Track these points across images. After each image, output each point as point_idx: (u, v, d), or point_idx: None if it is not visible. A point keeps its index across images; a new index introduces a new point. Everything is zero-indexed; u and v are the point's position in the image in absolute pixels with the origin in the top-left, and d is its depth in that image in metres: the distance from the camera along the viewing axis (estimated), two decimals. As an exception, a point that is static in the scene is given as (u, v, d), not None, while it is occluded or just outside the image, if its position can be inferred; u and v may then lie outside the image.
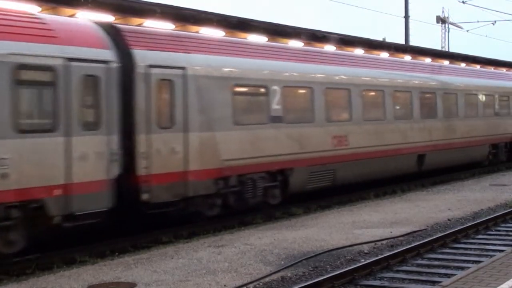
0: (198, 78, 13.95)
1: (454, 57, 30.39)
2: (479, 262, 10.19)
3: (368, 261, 10.46)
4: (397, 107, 20.85)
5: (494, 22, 44.42)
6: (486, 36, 53.52)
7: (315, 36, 21.20)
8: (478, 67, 30.84)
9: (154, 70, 13.04)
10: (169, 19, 16.02)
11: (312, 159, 16.92)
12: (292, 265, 10.48)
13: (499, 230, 13.84)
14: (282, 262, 10.67)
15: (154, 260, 11.06)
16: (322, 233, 13.18)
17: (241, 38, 17.85)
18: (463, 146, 24.28)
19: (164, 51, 13.57)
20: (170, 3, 17.02)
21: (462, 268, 10.13)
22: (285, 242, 12.26)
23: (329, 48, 21.56)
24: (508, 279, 8.13)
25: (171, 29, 15.75)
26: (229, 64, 14.98)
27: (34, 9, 12.81)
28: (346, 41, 22.72)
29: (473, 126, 25.28)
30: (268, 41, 18.49)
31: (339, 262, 10.79)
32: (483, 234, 13.43)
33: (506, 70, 32.98)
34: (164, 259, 11.13)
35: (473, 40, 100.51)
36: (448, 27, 58.74)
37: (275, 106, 15.84)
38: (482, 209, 16.15)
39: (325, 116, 17.51)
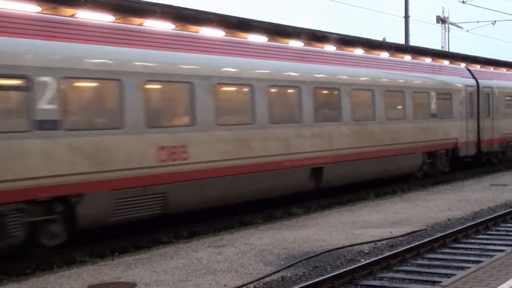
0: None
1: (454, 57, 30.35)
2: (479, 262, 10.19)
3: (368, 261, 10.46)
4: (275, 108, 15.84)
5: (494, 22, 44.49)
6: (486, 36, 53.70)
7: (315, 36, 21.19)
8: (478, 67, 30.50)
9: None
10: (169, 19, 16.00)
11: (120, 180, 12.10)
12: (292, 265, 10.49)
13: (499, 230, 13.84)
14: (282, 262, 10.68)
15: (154, 260, 11.07)
16: (322, 233, 13.19)
17: (241, 37, 17.78)
18: (383, 155, 19.62)
19: None
20: (170, 3, 17.01)
21: (462, 268, 10.13)
22: (285, 242, 12.27)
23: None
24: (508, 279, 8.13)
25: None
26: None
27: (34, 9, 12.80)
28: (346, 41, 22.70)
29: (398, 130, 20.54)
30: (268, 41, 18.46)
31: (339, 262, 10.80)
32: (483, 234, 13.43)
33: (506, 70, 32.82)
34: (164, 259, 11.13)
35: (473, 40, 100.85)
36: (448, 27, 58.90)
37: (45, 105, 11.07)
38: (482, 209, 16.16)
39: (144, 120, 12.68)
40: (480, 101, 25.91)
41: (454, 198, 18.42)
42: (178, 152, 13.31)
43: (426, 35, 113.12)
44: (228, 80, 14.83)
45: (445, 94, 23.51)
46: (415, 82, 21.92)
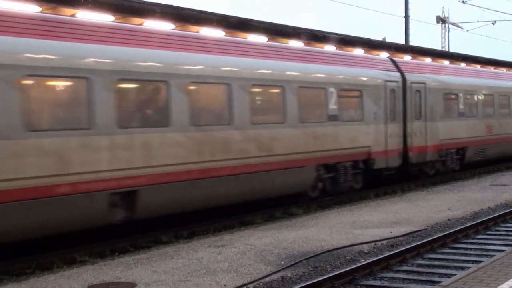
0: None
1: (454, 57, 30.37)
2: (479, 262, 10.20)
3: (368, 261, 10.47)
4: (37, 109, 11.25)
5: (494, 22, 44.50)
6: (486, 36, 53.64)
7: (316, 36, 21.20)
8: (478, 67, 30.39)
9: None
10: (169, 19, 16.01)
11: None
12: (292, 265, 10.49)
13: (499, 230, 13.84)
14: (282, 262, 10.68)
15: (154, 260, 11.07)
16: (322, 233, 13.18)
17: (240, 38, 17.74)
18: (247, 172, 14.76)
19: None
20: (170, 3, 17.02)
21: (462, 268, 10.14)
22: (285, 242, 12.27)
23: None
24: (508, 279, 8.12)
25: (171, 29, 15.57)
26: None
27: (34, 9, 12.81)
28: (346, 41, 22.72)
29: (273, 138, 15.50)
30: (268, 41, 18.44)
31: (339, 262, 10.80)
32: (483, 234, 13.43)
33: (506, 70, 32.73)
34: (164, 259, 11.13)
35: (473, 40, 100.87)
36: (448, 27, 58.97)
37: None
38: (482, 209, 16.16)
39: None
40: (407, 99, 21.06)
41: (454, 198, 18.42)
42: None
43: (426, 35, 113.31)
44: None
45: (352, 90, 18.61)
46: (302, 74, 16.75)
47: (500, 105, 27.39)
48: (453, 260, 11.06)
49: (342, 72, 18.33)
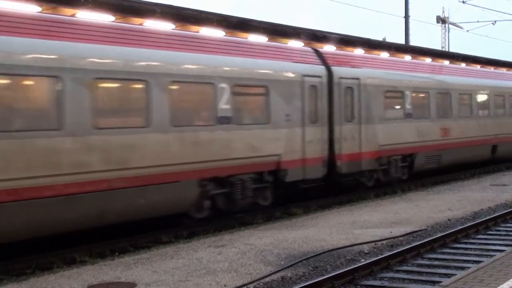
0: None
1: (454, 57, 30.37)
2: (479, 262, 10.20)
3: (368, 261, 10.47)
4: None
5: (494, 22, 44.52)
6: (486, 36, 53.65)
7: (315, 36, 21.19)
8: (477, 66, 30.35)
9: None
10: (169, 19, 16.01)
11: None
12: (292, 265, 10.49)
13: (499, 230, 13.84)
14: (282, 262, 10.68)
15: (154, 260, 11.07)
16: (322, 233, 13.19)
17: (241, 38, 17.71)
18: (87, 191, 11.51)
19: None
20: (170, 3, 17.02)
21: (462, 268, 10.14)
22: (285, 242, 12.27)
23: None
24: (508, 279, 8.12)
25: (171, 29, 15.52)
26: None
27: (34, 9, 12.81)
28: (346, 41, 22.72)
29: (132, 147, 12.31)
30: (268, 41, 18.43)
31: (339, 262, 10.80)
32: (483, 234, 13.43)
33: (506, 70, 32.70)
34: (164, 259, 11.13)
35: (473, 40, 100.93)
36: (448, 27, 59.03)
37: None
38: (482, 209, 16.16)
39: None
40: (334, 98, 17.74)
41: (454, 198, 18.42)
42: None
43: (426, 35, 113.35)
44: None
45: (253, 86, 15.27)
46: (176, 66, 13.42)
47: (460, 105, 23.90)
48: (453, 260, 11.07)
49: (238, 64, 14.91)
